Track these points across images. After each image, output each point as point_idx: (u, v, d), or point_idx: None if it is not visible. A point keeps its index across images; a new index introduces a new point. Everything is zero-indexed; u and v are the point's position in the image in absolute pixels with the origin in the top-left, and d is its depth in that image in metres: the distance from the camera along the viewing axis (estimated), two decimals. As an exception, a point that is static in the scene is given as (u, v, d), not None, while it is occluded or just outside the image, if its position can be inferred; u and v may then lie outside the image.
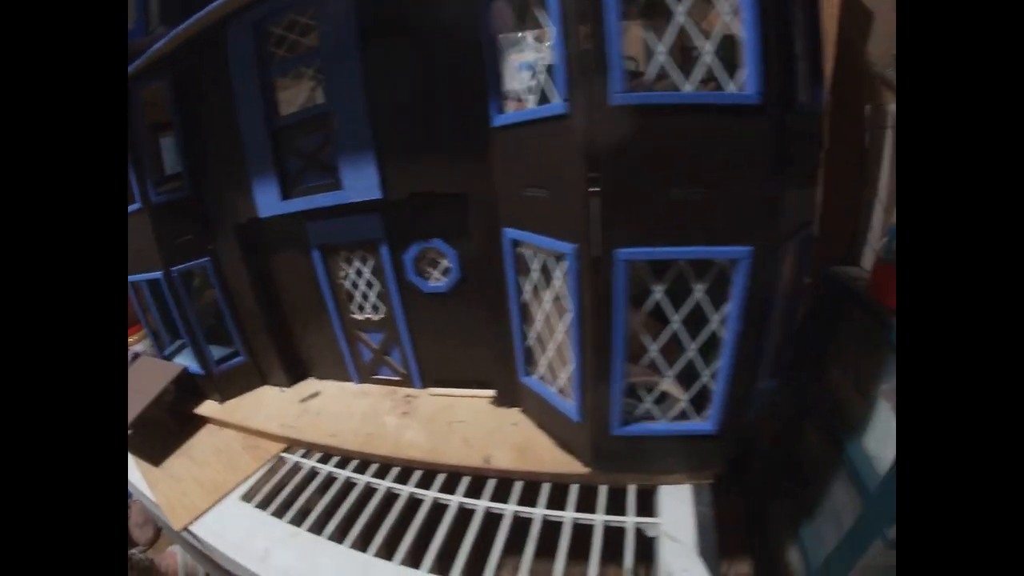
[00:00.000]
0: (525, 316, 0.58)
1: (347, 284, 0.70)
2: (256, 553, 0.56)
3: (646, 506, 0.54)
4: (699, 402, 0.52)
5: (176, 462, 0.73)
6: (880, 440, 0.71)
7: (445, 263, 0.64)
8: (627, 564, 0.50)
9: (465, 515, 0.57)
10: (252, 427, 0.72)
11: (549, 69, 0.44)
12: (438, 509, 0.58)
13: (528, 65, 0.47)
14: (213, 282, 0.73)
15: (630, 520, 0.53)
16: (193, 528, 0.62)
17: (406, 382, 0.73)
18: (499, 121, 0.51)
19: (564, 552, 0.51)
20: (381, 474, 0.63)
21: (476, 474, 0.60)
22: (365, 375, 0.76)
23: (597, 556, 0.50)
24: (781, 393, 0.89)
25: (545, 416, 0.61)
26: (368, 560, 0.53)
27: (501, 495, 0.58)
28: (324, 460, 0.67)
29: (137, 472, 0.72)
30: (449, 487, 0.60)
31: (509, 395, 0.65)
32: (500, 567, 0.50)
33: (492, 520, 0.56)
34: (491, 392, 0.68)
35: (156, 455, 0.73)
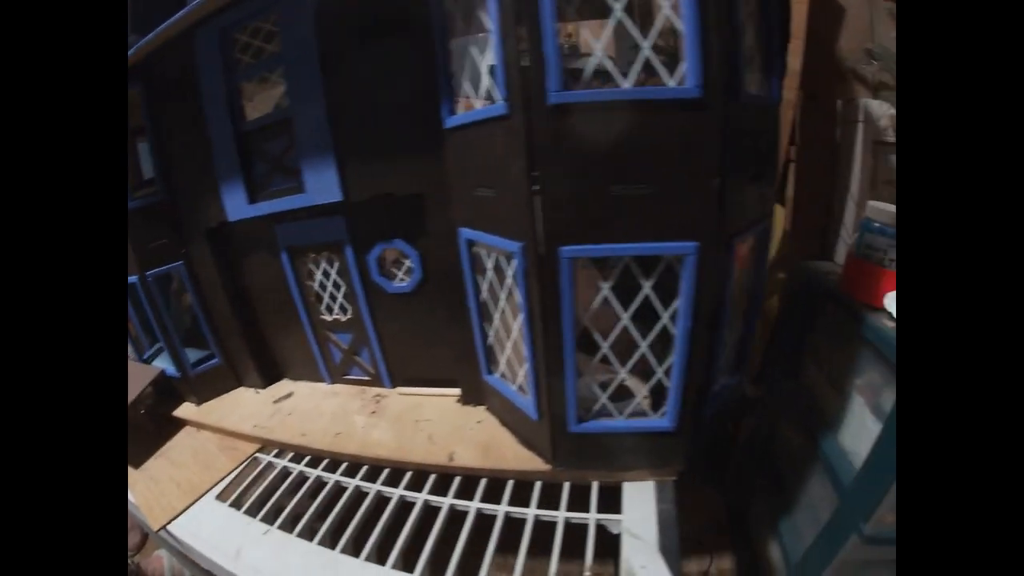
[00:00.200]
0: (484, 315, 0.58)
1: (315, 286, 0.71)
2: (229, 552, 0.57)
3: (610, 503, 0.55)
4: (655, 399, 0.52)
5: (155, 463, 0.74)
6: (855, 435, 0.70)
7: (408, 263, 0.64)
8: (588, 561, 0.50)
9: (431, 512, 0.57)
10: (227, 428, 0.73)
11: (492, 70, 0.45)
12: (405, 507, 0.59)
13: (475, 66, 0.47)
14: (187, 285, 0.74)
15: (592, 517, 0.53)
16: (170, 528, 0.63)
17: (376, 382, 0.73)
18: (450, 123, 0.51)
19: (525, 548, 0.51)
20: (351, 472, 0.64)
21: (441, 472, 0.60)
22: (336, 375, 0.77)
23: (558, 552, 0.50)
24: (758, 388, 0.89)
25: (508, 414, 0.61)
26: (336, 557, 0.54)
27: (467, 492, 0.58)
28: (296, 459, 0.68)
29: (117, 474, 0.73)
30: (417, 485, 0.61)
31: (474, 393, 0.66)
32: (463, 563, 0.51)
33: (457, 517, 0.56)
34: (458, 391, 0.68)
35: (135, 457, 0.75)
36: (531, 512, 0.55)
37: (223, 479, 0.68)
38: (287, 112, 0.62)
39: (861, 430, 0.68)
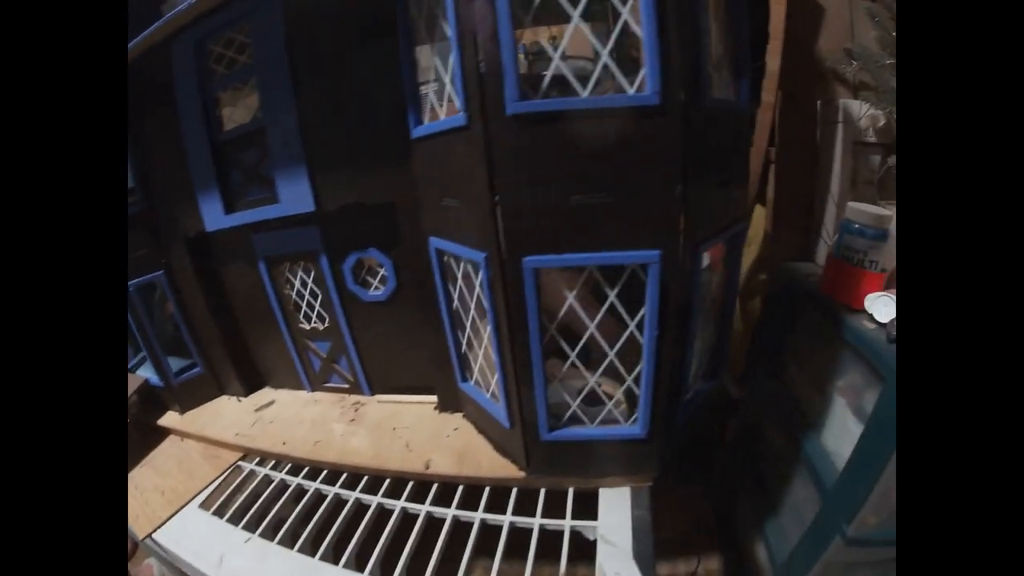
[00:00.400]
0: (456, 323, 0.58)
1: (293, 295, 0.71)
2: (212, 559, 0.57)
3: (585, 509, 0.55)
4: (626, 407, 0.52)
5: (140, 472, 0.74)
6: (837, 436, 0.70)
7: (383, 272, 0.64)
8: (562, 567, 0.50)
9: (409, 519, 0.58)
10: (209, 436, 0.74)
11: (454, 79, 0.45)
12: (384, 514, 0.59)
13: (439, 76, 0.47)
14: (168, 295, 0.75)
15: (567, 523, 0.54)
16: (155, 536, 0.63)
17: (355, 389, 0.74)
18: (416, 133, 0.51)
19: (500, 555, 0.51)
20: (331, 480, 0.65)
21: (418, 479, 0.61)
22: (317, 383, 0.77)
23: (532, 559, 0.50)
24: (742, 389, 0.89)
25: (483, 421, 0.61)
26: (316, 564, 0.55)
27: (444, 499, 0.59)
28: (277, 467, 0.69)
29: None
30: (395, 492, 0.61)
31: (451, 400, 0.66)
32: (439, 570, 0.51)
33: (434, 524, 0.57)
34: (435, 398, 0.68)
35: (120, 466, 0.75)
36: (507, 519, 0.55)
37: (207, 487, 0.68)
38: (260, 122, 0.62)
39: (843, 431, 0.68)
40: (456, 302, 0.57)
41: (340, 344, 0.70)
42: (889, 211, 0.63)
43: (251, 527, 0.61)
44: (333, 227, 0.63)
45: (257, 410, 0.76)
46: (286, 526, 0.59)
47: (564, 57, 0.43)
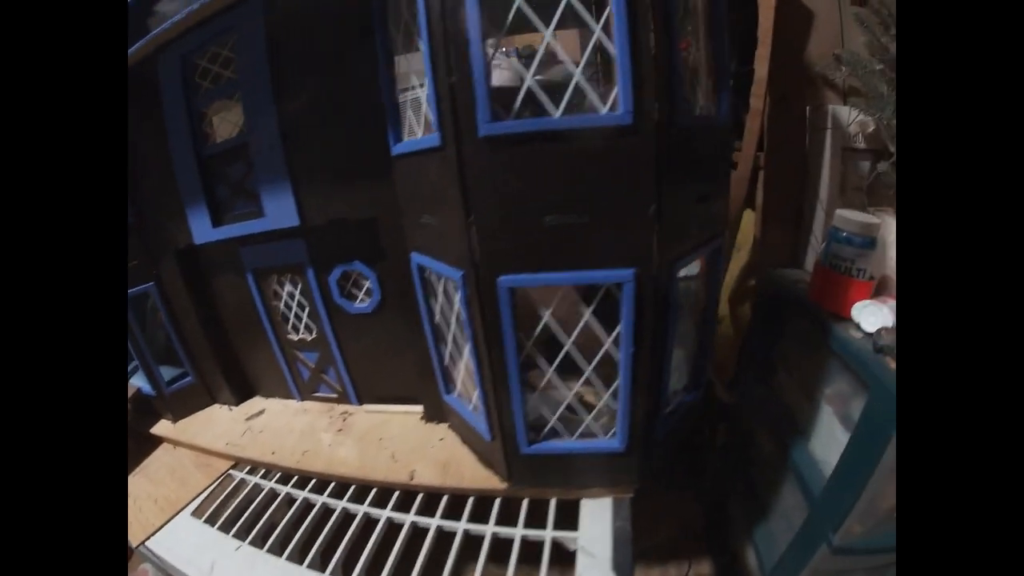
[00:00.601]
0: (438, 336, 0.59)
1: (281, 306, 0.72)
2: (203, 567, 0.58)
3: (567, 520, 0.55)
4: (605, 421, 0.53)
5: (133, 480, 0.75)
6: (824, 444, 0.70)
7: (368, 284, 0.65)
8: (542, 576, 0.51)
9: (394, 529, 0.58)
10: (201, 445, 0.75)
11: (429, 98, 0.45)
12: (370, 523, 0.60)
13: (415, 95, 0.48)
14: (159, 306, 0.76)
15: (548, 534, 0.54)
16: (148, 544, 0.64)
17: (343, 399, 0.75)
18: (396, 150, 0.52)
19: (481, 565, 0.52)
20: (319, 489, 0.65)
21: (403, 489, 0.61)
22: (306, 392, 0.78)
23: (513, 569, 0.51)
24: (732, 395, 0.89)
25: (466, 432, 0.62)
26: (303, 572, 0.55)
27: (429, 509, 0.59)
28: (267, 476, 0.70)
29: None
30: (381, 502, 0.62)
31: (436, 411, 0.67)
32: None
33: (419, 533, 0.57)
34: (422, 408, 0.69)
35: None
36: (489, 529, 0.56)
37: (199, 495, 0.70)
38: (245, 137, 0.62)
39: (831, 440, 0.68)
40: (438, 316, 0.57)
41: (328, 355, 0.71)
42: (877, 219, 0.62)
43: (241, 535, 0.62)
44: (318, 240, 0.63)
45: (248, 419, 0.77)
46: (275, 534, 0.60)
47: (543, 68, 0.43)
